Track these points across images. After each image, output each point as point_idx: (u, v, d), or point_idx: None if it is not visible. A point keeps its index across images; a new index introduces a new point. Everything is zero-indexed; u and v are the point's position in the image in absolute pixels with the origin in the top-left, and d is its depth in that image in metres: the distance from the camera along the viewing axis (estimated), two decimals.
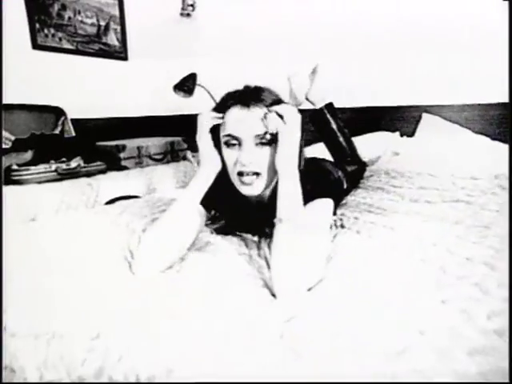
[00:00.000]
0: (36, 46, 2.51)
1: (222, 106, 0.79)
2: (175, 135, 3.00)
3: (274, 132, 0.75)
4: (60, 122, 2.61)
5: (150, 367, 0.53)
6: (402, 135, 2.15)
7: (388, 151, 1.85)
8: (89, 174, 2.25)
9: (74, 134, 2.59)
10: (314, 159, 1.06)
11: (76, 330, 0.67)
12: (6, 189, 1.88)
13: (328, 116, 1.55)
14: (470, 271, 0.65)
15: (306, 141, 0.88)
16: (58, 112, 2.60)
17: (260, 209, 0.89)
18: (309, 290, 0.66)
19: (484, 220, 0.94)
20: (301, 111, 1.67)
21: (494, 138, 1.88)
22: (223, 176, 0.84)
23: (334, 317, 0.55)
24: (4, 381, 0.81)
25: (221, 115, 0.78)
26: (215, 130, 0.81)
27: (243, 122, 0.76)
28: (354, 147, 1.64)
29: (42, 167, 2.05)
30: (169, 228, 0.81)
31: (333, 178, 1.42)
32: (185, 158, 2.90)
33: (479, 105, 2.00)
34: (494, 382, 0.43)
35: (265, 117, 0.75)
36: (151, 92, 3.16)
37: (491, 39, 1.87)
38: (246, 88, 0.81)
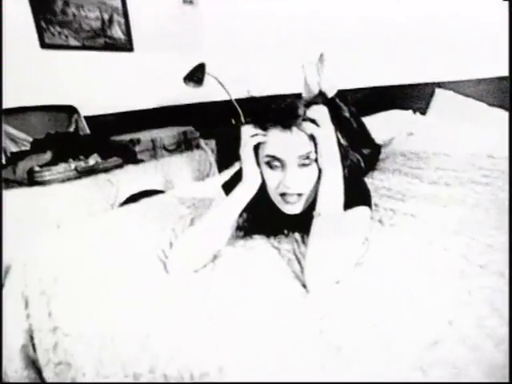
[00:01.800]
0: (44, 45, 2.53)
1: (262, 122, 0.79)
2: (187, 124, 3.02)
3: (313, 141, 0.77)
4: (73, 120, 2.66)
5: (202, 364, 0.58)
6: (414, 112, 2.13)
7: (402, 132, 1.84)
8: (106, 170, 2.30)
9: (88, 131, 2.63)
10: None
11: (126, 331, 0.73)
12: (30, 190, 1.95)
13: (340, 104, 1.56)
14: (491, 259, 0.68)
15: None
16: (70, 110, 2.64)
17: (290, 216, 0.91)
18: (337, 282, 0.70)
19: (504, 203, 0.96)
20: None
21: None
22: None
23: (363, 309, 0.59)
24: (60, 376, 0.89)
25: (265, 133, 0.78)
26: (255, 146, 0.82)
27: (286, 144, 0.76)
28: (368, 132, 1.65)
29: (62, 167, 2.11)
30: (204, 234, 0.85)
31: (351, 160, 1.45)
32: (198, 147, 2.93)
33: (492, 78, 1.97)
34: (494, 382, 0.46)
35: (299, 126, 0.76)
36: (159, 82, 3.16)
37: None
38: (283, 107, 0.79)
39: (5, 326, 0.98)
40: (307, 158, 0.78)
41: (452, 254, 0.73)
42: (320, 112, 0.78)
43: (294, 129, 0.76)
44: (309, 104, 0.80)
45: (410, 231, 0.87)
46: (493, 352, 0.46)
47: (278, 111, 0.79)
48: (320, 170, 0.79)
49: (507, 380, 0.45)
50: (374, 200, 1.17)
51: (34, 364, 0.95)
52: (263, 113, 0.83)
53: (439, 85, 2.11)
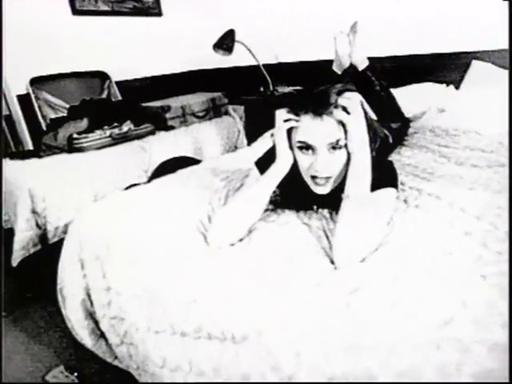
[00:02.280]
0: (75, 11, 2.56)
1: (296, 107, 0.85)
2: (215, 90, 3.04)
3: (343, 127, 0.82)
4: (106, 86, 2.74)
5: (242, 328, 0.68)
6: (448, 84, 2.08)
7: (433, 107, 1.82)
8: (139, 137, 2.40)
9: (120, 97, 2.71)
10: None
11: (174, 293, 0.83)
12: (70, 157, 2.08)
13: (372, 78, 1.56)
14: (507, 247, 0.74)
15: None
16: (102, 76, 2.72)
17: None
18: (362, 260, 0.78)
19: None
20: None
21: None
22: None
23: (385, 287, 0.67)
24: (115, 328, 1.03)
25: (298, 118, 0.84)
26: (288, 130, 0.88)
27: (317, 131, 0.82)
28: (398, 106, 1.65)
29: (98, 134, 2.21)
30: (240, 210, 0.93)
31: (379, 136, 1.48)
32: (227, 113, 2.98)
33: None
34: (494, 382, 0.51)
35: (330, 114, 0.81)
36: (188, 47, 3.16)
37: None
38: (316, 93, 0.84)
39: (66, 282, 1.12)
40: (337, 144, 0.83)
41: (471, 239, 0.79)
42: (351, 99, 0.82)
43: (325, 116, 0.82)
44: (340, 92, 0.84)
45: (434, 213, 0.92)
46: (499, 332, 0.54)
47: (311, 99, 0.84)
48: (349, 154, 0.85)
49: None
50: (400, 178, 1.21)
51: (92, 316, 1.10)
52: (297, 99, 0.88)
53: (476, 56, 2.04)
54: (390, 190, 0.92)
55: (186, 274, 0.86)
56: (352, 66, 1.65)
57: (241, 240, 0.93)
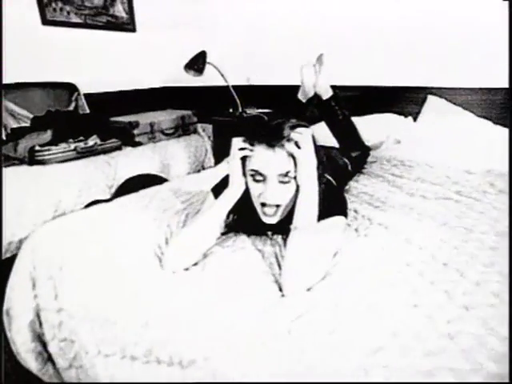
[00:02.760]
0: (45, 21, 2.53)
1: (251, 138, 0.89)
2: (185, 107, 3.07)
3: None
4: (73, 98, 2.70)
5: (190, 353, 0.70)
6: (407, 116, 2.22)
7: (391, 138, 1.93)
8: (105, 152, 2.38)
9: (87, 110, 2.68)
10: (321, 147, 1.18)
11: (125, 318, 0.84)
12: (31, 169, 2.03)
13: (335, 107, 1.64)
14: (443, 278, 0.80)
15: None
16: (70, 88, 2.68)
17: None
18: (308, 290, 0.81)
19: (467, 222, 1.07)
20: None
21: (496, 123, 1.95)
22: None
23: (326, 315, 0.70)
24: (64, 350, 1.00)
25: (252, 148, 0.89)
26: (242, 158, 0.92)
27: (269, 162, 0.87)
28: (359, 134, 1.74)
29: (62, 147, 2.18)
30: (195, 234, 0.96)
31: (338, 165, 1.54)
32: (195, 132, 3.00)
33: (484, 89, 2.05)
34: (494, 382, 0.55)
35: (282, 146, 0.85)
36: (160, 64, 3.19)
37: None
38: (271, 126, 0.88)
39: (14, 301, 1.09)
40: (286, 175, 0.88)
41: (411, 270, 0.85)
42: (303, 134, 0.87)
43: (277, 148, 0.87)
44: (294, 126, 0.89)
45: (381, 243, 0.98)
46: (422, 359, 0.58)
47: (265, 131, 0.88)
48: (298, 186, 0.90)
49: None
50: (354, 206, 1.28)
51: (39, 338, 1.07)
52: (251, 130, 0.92)
53: (431, 91, 2.19)
54: (339, 219, 0.97)
55: (139, 298, 0.86)
56: (316, 95, 1.73)
57: (195, 264, 0.95)
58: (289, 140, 0.86)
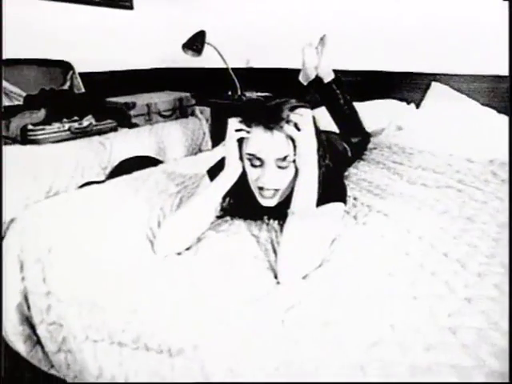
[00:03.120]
0: None
1: (248, 118, 0.85)
2: (183, 89, 3.00)
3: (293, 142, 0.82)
4: (68, 77, 2.62)
5: (179, 341, 0.67)
6: (409, 103, 2.17)
7: (392, 124, 1.89)
8: (100, 132, 2.32)
9: (83, 89, 2.61)
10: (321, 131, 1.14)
11: (114, 302, 0.81)
12: (24, 148, 1.98)
13: (336, 91, 1.59)
14: (443, 269, 0.77)
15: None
16: (65, 66, 2.60)
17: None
18: (304, 277, 0.79)
19: (469, 212, 1.04)
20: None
21: (500, 111, 1.90)
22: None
23: (322, 305, 0.68)
24: (52, 334, 0.98)
25: (249, 129, 0.84)
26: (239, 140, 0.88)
27: (266, 145, 0.83)
28: (360, 120, 1.69)
29: (55, 126, 2.12)
30: (189, 217, 0.92)
31: (338, 151, 1.50)
32: (193, 114, 2.94)
33: (489, 76, 2.00)
34: (494, 382, 0.52)
35: (280, 128, 0.81)
36: (158, 44, 3.10)
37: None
38: (269, 107, 0.84)
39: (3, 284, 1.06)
40: (285, 159, 0.84)
41: (410, 260, 0.82)
42: (303, 115, 0.83)
43: (276, 131, 0.82)
44: (293, 107, 0.84)
45: (380, 232, 0.95)
46: (421, 354, 0.56)
47: (263, 112, 0.84)
48: (297, 170, 0.86)
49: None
50: (354, 193, 1.25)
51: (28, 321, 1.04)
52: (249, 111, 0.88)
53: (435, 77, 2.13)
54: (338, 205, 0.94)
55: (129, 283, 0.83)
56: (318, 78, 1.68)
57: (188, 249, 0.92)
58: (288, 122, 0.82)
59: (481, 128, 1.70)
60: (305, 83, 1.73)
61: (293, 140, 0.83)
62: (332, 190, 0.93)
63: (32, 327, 1.04)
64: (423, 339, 0.58)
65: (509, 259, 0.79)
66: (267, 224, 1.03)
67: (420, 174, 1.37)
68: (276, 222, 1.03)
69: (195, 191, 1.05)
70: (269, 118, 0.82)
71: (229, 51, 2.50)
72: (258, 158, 0.85)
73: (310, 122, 0.84)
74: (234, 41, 2.71)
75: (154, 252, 0.92)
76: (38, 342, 1.03)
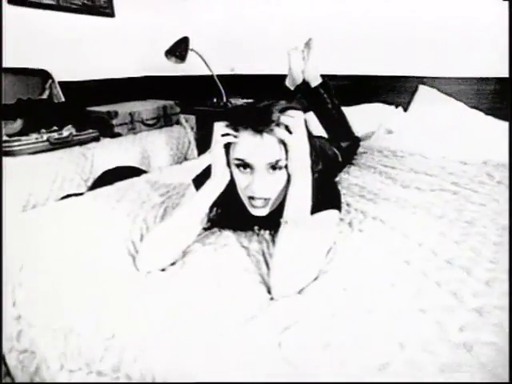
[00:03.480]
0: (12, 0, 2.35)
1: (235, 122, 0.79)
2: (166, 98, 2.94)
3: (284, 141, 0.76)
4: (47, 86, 2.54)
5: (164, 368, 0.60)
6: (397, 106, 2.15)
7: (382, 128, 1.86)
8: (81, 143, 2.24)
9: (63, 98, 2.52)
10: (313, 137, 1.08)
11: (91, 327, 0.73)
12: None
13: (324, 95, 1.55)
14: (448, 277, 0.72)
15: None
16: (43, 75, 2.51)
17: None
18: (300, 292, 0.72)
19: (467, 215, 1.00)
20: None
21: (487, 113, 1.90)
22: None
23: (322, 324, 0.61)
24: (24, 363, 0.89)
25: (236, 134, 0.78)
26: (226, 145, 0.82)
27: (256, 149, 0.76)
28: (349, 124, 1.66)
29: (33, 137, 2.04)
30: (174, 229, 0.85)
31: (328, 156, 1.46)
32: (178, 123, 2.88)
33: (476, 78, 1.99)
34: (494, 382, 0.49)
35: (270, 131, 0.75)
36: (140, 52, 3.04)
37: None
38: (257, 109, 0.79)
39: None
40: (276, 164, 0.78)
41: (412, 269, 0.76)
42: (295, 118, 0.77)
43: (266, 134, 0.76)
44: (284, 109, 0.79)
45: (377, 239, 0.90)
46: (435, 374, 0.50)
47: (251, 114, 0.78)
48: (289, 176, 0.80)
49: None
50: (346, 199, 1.20)
51: None
52: (236, 114, 0.82)
53: (423, 81, 2.12)
54: (333, 212, 0.88)
55: (108, 304, 0.76)
56: (305, 83, 1.64)
57: (173, 264, 0.85)
58: (278, 124, 0.76)
59: (471, 130, 1.68)
60: (291, 88, 1.70)
61: (284, 144, 0.77)
62: (326, 196, 0.87)
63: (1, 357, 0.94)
64: (436, 358, 0.52)
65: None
66: (258, 235, 0.97)
67: (413, 177, 1.33)
68: (267, 232, 0.97)
69: (180, 201, 0.98)
70: (258, 120, 0.76)
71: (213, 58, 2.46)
72: (247, 164, 0.79)
73: (301, 125, 0.78)
74: (218, 47, 2.67)
75: (136, 268, 0.85)
76: (8, 372, 0.93)
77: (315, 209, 0.82)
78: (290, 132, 0.76)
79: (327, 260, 0.81)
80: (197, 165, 1.51)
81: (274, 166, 0.78)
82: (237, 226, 0.99)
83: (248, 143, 0.77)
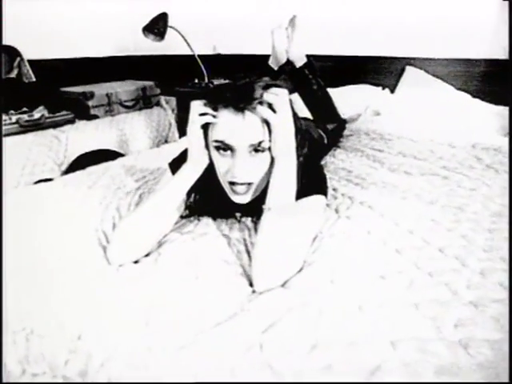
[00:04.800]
0: None
1: (214, 100, 0.72)
2: (146, 78, 2.81)
3: (268, 121, 0.70)
4: (15, 64, 2.37)
5: (136, 373, 0.54)
6: (384, 88, 2.09)
7: (369, 109, 1.81)
8: (55, 125, 2.12)
9: (33, 78, 2.37)
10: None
11: (55, 328, 0.66)
12: None
13: (309, 76, 1.49)
14: (441, 267, 0.68)
15: None
16: (11, 52, 2.35)
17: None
18: (283, 285, 0.67)
19: (458, 200, 0.96)
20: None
21: (474, 96, 1.86)
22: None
23: (308, 323, 0.56)
24: None
25: (215, 113, 0.71)
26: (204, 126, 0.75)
27: (237, 129, 0.70)
28: (334, 106, 1.60)
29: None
30: (148, 218, 0.79)
31: (314, 138, 1.40)
32: (158, 104, 2.76)
33: (463, 60, 1.95)
34: (494, 382, 0.45)
35: (253, 110, 0.69)
36: (118, 30, 2.88)
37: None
38: (238, 86, 0.72)
39: None
40: (259, 146, 0.72)
41: (403, 259, 0.72)
42: (279, 96, 0.71)
43: (248, 113, 0.70)
44: (267, 86, 0.72)
45: (365, 226, 0.85)
46: (430, 377, 0.45)
47: (232, 92, 0.71)
48: (272, 159, 0.74)
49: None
50: (332, 183, 1.14)
51: None
52: (215, 92, 0.75)
53: (410, 62, 2.07)
54: (319, 198, 0.82)
55: (74, 302, 0.69)
56: (289, 63, 1.56)
57: (147, 255, 0.78)
58: (261, 103, 0.69)
59: (458, 112, 1.64)
60: (275, 68, 1.62)
61: (268, 124, 0.70)
62: (311, 181, 0.82)
63: None
64: (433, 359, 0.47)
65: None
66: (239, 222, 0.91)
67: (401, 161, 1.29)
68: (249, 219, 0.91)
69: (155, 187, 0.91)
70: (239, 97, 0.69)
71: (194, 37, 2.34)
72: (228, 146, 0.72)
73: (286, 103, 0.71)
74: (199, 26, 2.54)
75: (107, 261, 0.78)
76: None
77: (300, 194, 0.76)
78: (274, 111, 0.69)
79: (312, 249, 0.76)
80: (176, 148, 1.43)
81: (257, 148, 0.72)
82: (217, 213, 0.93)
83: (228, 123, 0.70)
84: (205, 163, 0.78)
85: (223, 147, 0.73)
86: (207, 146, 0.77)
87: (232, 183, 0.75)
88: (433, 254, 0.73)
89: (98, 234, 0.87)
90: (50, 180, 1.40)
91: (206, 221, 0.91)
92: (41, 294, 0.72)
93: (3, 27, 2.30)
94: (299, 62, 1.53)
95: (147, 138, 2.38)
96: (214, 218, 0.92)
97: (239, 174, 0.73)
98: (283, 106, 0.70)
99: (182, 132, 2.36)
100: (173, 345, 0.56)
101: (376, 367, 0.46)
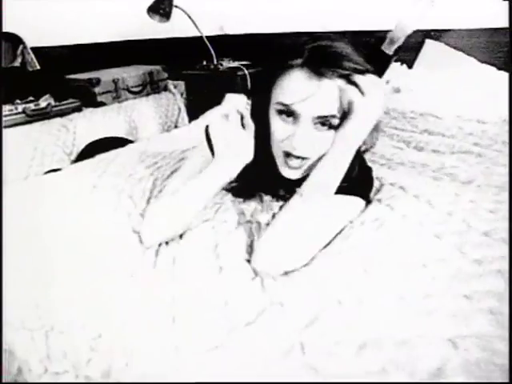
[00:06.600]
0: None
1: (282, 59, 0.63)
2: (153, 63, 2.73)
3: (346, 108, 0.61)
4: (19, 52, 2.32)
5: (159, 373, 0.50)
6: (402, 63, 1.99)
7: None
8: (62, 114, 2.08)
9: (38, 66, 2.32)
10: None
11: (76, 326, 0.63)
12: None
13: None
14: (492, 256, 0.61)
15: None
16: (14, 40, 2.29)
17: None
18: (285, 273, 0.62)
19: (497, 180, 0.88)
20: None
21: (499, 68, 1.76)
22: None
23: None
24: (8, 366, 0.79)
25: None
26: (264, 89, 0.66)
27: (308, 95, 0.60)
28: None
29: (6, 109, 1.87)
30: (186, 201, 0.73)
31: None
32: (166, 89, 2.69)
33: (486, 30, 1.83)
34: (494, 382, 0.42)
35: (334, 78, 0.59)
36: (123, 14, 2.78)
37: None
38: (322, 48, 0.61)
39: None
40: (327, 121, 0.63)
41: (445, 244, 0.66)
42: (373, 83, 0.61)
43: (325, 80, 0.60)
44: (362, 71, 0.60)
45: (399, 209, 0.78)
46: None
47: (314, 50, 0.61)
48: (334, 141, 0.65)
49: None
50: None
51: None
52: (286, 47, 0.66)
53: (429, 34, 1.96)
54: (359, 202, 0.76)
55: (92, 298, 0.65)
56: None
57: (167, 243, 0.73)
58: (348, 77, 0.60)
59: (484, 86, 1.54)
60: (390, 52, 1.34)
61: (349, 104, 0.60)
62: (357, 181, 0.74)
63: None
64: (499, 359, 0.42)
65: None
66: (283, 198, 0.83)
67: (428, 139, 1.21)
68: (275, 203, 0.84)
69: (175, 170, 0.84)
70: (320, 60, 0.59)
71: (200, 17, 2.25)
72: (292, 112, 0.63)
73: (380, 92, 0.62)
74: (205, 5, 2.45)
75: (141, 242, 0.73)
76: None
77: (341, 190, 0.68)
78: (363, 93, 0.60)
79: (342, 237, 0.70)
80: (188, 131, 1.38)
81: (324, 122, 0.63)
82: (260, 187, 0.85)
83: (298, 86, 0.61)
84: (249, 156, 0.69)
85: (286, 112, 0.64)
86: (265, 110, 0.68)
87: (287, 154, 0.67)
88: (478, 240, 0.66)
89: (112, 226, 0.82)
90: (57, 170, 1.36)
91: (227, 205, 0.85)
92: (58, 288, 0.68)
93: (4, 14, 2.24)
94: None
95: (156, 124, 2.33)
96: (244, 200, 0.85)
97: (298, 145, 0.64)
98: (375, 93, 0.60)
99: (192, 116, 2.29)
100: (203, 344, 0.52)
101: (436, 369, 0.41)
